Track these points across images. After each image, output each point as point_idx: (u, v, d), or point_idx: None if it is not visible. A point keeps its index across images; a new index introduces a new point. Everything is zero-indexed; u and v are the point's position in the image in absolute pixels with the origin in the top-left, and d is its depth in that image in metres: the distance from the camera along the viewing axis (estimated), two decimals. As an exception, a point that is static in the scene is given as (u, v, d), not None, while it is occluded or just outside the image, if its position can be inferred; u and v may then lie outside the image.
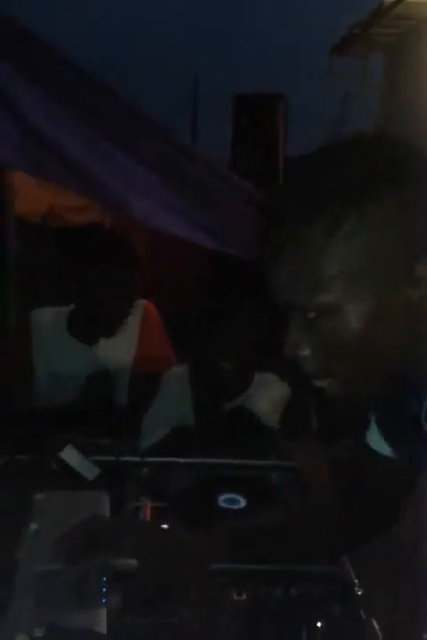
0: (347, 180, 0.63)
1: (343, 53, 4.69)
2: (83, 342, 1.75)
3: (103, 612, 0.74)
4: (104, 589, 0.77)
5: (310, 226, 0.63)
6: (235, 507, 1.21)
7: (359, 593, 0.98)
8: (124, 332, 1.78)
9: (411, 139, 0.68)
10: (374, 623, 0.93)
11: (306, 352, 0.67)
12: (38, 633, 0.64)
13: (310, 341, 0.67)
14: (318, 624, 0.90)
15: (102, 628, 0.72)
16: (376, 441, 0.85)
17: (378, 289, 0.63)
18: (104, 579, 0.79)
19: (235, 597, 0.94)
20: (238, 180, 1.64)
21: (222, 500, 1.23)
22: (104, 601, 0.76)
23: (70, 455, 1.34)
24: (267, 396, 1.71)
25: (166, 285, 2.91)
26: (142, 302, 1.83)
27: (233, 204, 1.66)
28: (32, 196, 2.85)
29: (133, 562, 0.80)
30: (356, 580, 1.01)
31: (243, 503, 1.23)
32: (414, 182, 0.63)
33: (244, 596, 0.95)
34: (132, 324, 1.79)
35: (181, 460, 1.42)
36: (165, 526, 0.98)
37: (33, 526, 0.89)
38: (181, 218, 1.59)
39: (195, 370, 1.67)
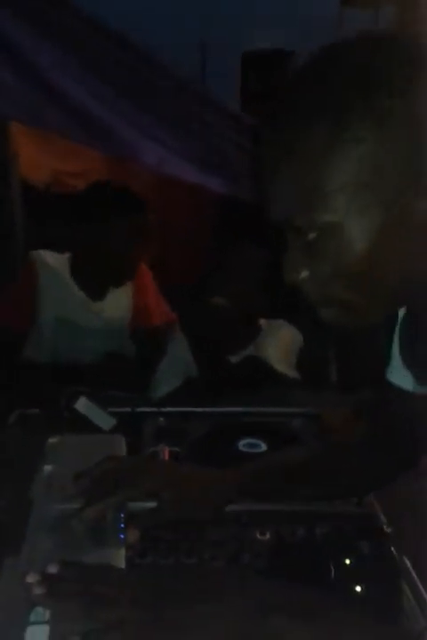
0: (350, 83, 0.56)
1: (354, 4, 4.56)
2: (86, 292, 1.72)
3: (121, 549, 0.71)
4: (122, 526, 0.74)
5: (309, 134, 0.57)
6: (255, 451, 1.18)
7: (388, 530, 0.94)
8: (121, 289, 1.75)
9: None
10: (406, 560, 0.89)
11: (305, 276, 0.61)
12: (53, 569, 0.61)
13: (311, 265, 0.61)
14: (347, 561, 0.87)
15: (121, 563, 0.68)
16: (398, 375, 0.82)
17: (384, 204, 0.57)
18: (122, 515, 0.76)
19: (258, 537, 0.91)
20: (253, 121, 1.58)
21: (242, 444, 1.20)
22: (122, 537, 0.73)
23: (85, 406, 1.31)
24: (278, 344, 1.67)
25: (176, 239, 2.86)
26: None
27: (248, 149, 1.60)
28: (35, 162, 2.81)
29: (152, 503, 0.77)
30: (383, 519, 0.97)
31: (264, 447, 1.19)
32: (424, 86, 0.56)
33: (267, 536, 0.91)
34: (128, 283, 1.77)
35: (199, 409, 1.38)
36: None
37: (47, 468, 0.86)
38: (193, 164, 1.54)
39: (194, 321, 1.64)
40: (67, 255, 1.74)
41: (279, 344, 1.69)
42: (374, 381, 1.09)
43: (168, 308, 1.88)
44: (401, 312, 0.75)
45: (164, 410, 1.38)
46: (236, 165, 1.56)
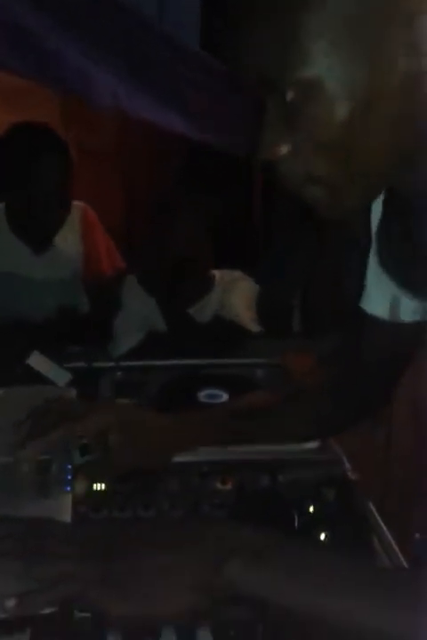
0: None
1: None
2: (28, 245, 1.65)
3: (67, 500, 0.66)
4: (69, 477, 0.69)
5: None
6: (216, 401, 1.13)
7: (353, 477, 0.91)
8: (66, 238, 1.68)
9: None
10: (371, 506, 0.87)
11: (285, 150, 0.55)
12: None
13: (291, 137, 0.55)
14: (311, 509, 0.83)
15: (66, 516, 0.63)
16: (373, 301, 0.77)
17: (367, 59, 0.50)
18: (69, 466, 0.70)
19: (219, 486, 0.87)
20: (219, 65, 1.49)
21: (203, 395, 1.15)
22: (69, 489, 0.67)
23: (38, 361, 1.25)
24: (237, 296, 1.63)
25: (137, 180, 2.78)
26: (80, 205, 1.74)
27: (213, 90, 1.52)
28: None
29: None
30: (348, 465, 0.94)
31: (225, 398, 1.15)
32: None
33: (229, 485, 0.87)
34: (73, 229, 1.70)
35: (158, 363, 1.33)
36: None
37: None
38: (149, 102, 1.45)
39: (145, 272, 1.59)
40: (1, 205, 1.66)
41: (238, 296, 1.64)
42: (337, 327, 1.05)
43: (119, 256, 1.81)
44: (377, 218, 0.70)
45: (122, 364, 1.32)
46: (193, 104, 1.48)
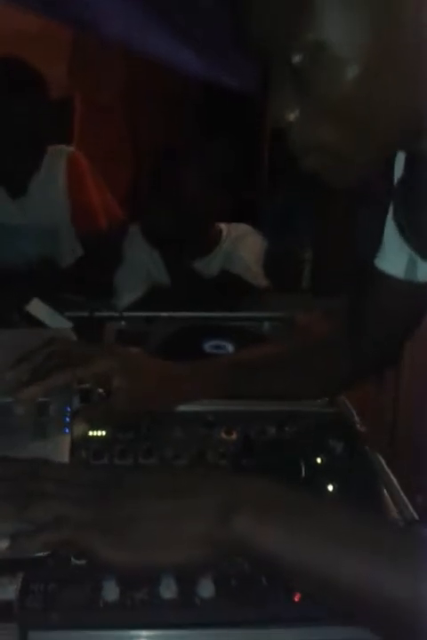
0: None
1: None
2: (5, 187, 1.58)
3: (66, 442, 0.63)
4: (68, 420, 0.66)
5: None
6: (222, 352, 1.10)
7: (362, 429, 0.89)
8: (46, 184, 1.60)
9: None
10: (380, 458, 0.84)
11: (292, 116, 0.55)
12: None
13: (300, 102, 0.54)
14: (318, 460, 0.81)
15: (64, 458, 0.60)
16: (389, 260, 0.75)
17: (375, 19, 0.49)
18: (68, 409, 0.67)
19: (224, 436, 0.84)
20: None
21: (208, 346, 1.12)
22: (67, 431, 0.65)
23: (38, 308, 1.21)
24: (245, 251, 1.58)
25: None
26: (66, 150, 1.66)
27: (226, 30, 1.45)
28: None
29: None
30: (357, 418, 0.91)
31: (231, 349, 1.11)
32: None
33: (234, 435, 0.84)
34: (55, 175, 1.61)
35: (163, 314, 1.30)
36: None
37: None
38: (165, 38, 1.39)
39: (150, 224, 1.54)
40: None
41: (246, 251, 1.60)
42: (347, 285, 1.02)
43: (116, 205, 1.75)
44: (397, 176, 0.67)
45: (125, 314, 1.29)
46: (207, 42, 1.42)
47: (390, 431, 1.35)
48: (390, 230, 0.73)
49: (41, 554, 0.47)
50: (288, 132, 0.56)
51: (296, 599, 0.58)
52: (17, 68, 1.50)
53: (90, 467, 0.65)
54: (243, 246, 1.59)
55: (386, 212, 0.74)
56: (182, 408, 0.85)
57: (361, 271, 0.80)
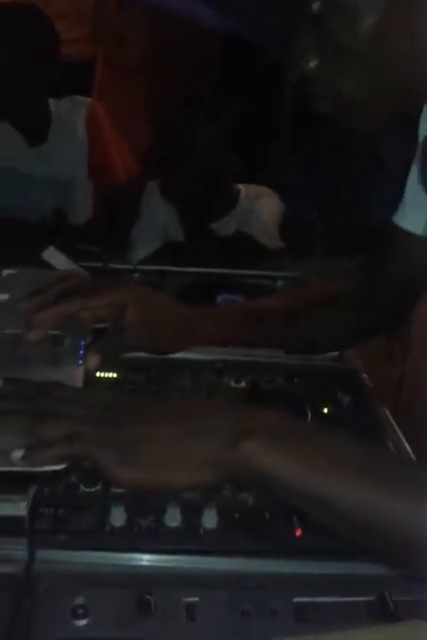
0: None
1: None
2: (24, 136, 1.57)
3: (79, 373, 0.64)
4: (81, 352, 0.67)
5: None
6: (234, 305, 1.11)
7: (369, 384, 0.90)
8: (66, 134, 1.59)
9: None
10: (387, 412, 0.85)
11: (312, 64, 0.56)
12: None
13: (317, 46, 0.55)
14: (325, 410, 0.82)
15: (78, 382, 0.62)
16: (409, 217, 0.76)
17: None
18: (82, 342, 0.68)
19: (233, 384, 0.86)
20: None
21: (221, 299, 1.13)
22: (81, 362, 0.66)
23: (54, 256, 1.23)
24: (261, 213, 1.58)
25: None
26: (85, 101, 1.64)
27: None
28: None
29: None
30: (365, 374, 0.92)
31: (243, 303, 1.12)
32: None
33: (243, 384, 0.86)
34: (77, 125, 1.60)
35: (176, 269, 1.30)
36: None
37: (1, 296, 0.77)
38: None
39: (167, 181, 1.53)
40: None
41: (263, 212, 1.59)
42: (359, 249, 1.02)
43: (133, 160, 1.73)
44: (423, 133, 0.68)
45: (139, 267, 1.30)
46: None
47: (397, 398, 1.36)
48: (411, 187, 0.74)
49: (53, 468, 0.48)
50: (307, 81, 0.57)
51: (297, 533, 0.60)
52: (31, 15, 1.48)
53: (102, 389, 0.67)
54: (260, 207, 1.59)
55: (408, 169, 0.74)
56: (192, 355, 0.86)
57: (379, 229, 0.81)
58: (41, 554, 0.56)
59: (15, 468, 0.48)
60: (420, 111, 0.70)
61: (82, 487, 0.64)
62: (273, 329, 0.81)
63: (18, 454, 0.48)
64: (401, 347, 1.59)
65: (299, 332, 0.83)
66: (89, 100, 1.67)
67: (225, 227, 1.58)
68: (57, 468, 0.48)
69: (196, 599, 0.52)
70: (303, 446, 0.49)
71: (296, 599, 0.53)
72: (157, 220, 1.55)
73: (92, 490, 0.64)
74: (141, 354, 0.79)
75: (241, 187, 1.62)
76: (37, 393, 0.54)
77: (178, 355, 0.80)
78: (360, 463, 0.48)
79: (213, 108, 1.61)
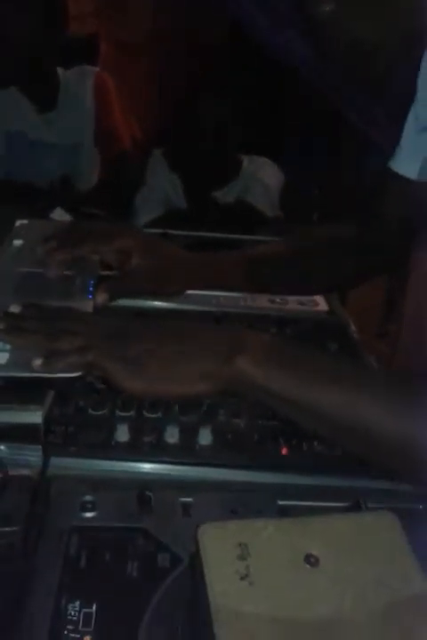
0: None
1: None
2: (34, 102, 1.62)
3: (89, 305, 0.71)
4: (91, 289, 0.74)
5: None
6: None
7: (357, 337, 0.96)
8: (74, 101, 1.65)
9: None
10: (373, 362, 0.91)
11: (328, 7, 0.59)
12: (15, 309, 0.61)
13: None
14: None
15: (89, 309, 0.68)
16: (404, 162, 0.80)
17: None
18: (91, 281, 0.75)
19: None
20: None
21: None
22: (91, 297, 0.72)
23: (61, 217, 1.29)
24: (262, 183, 1.64)
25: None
26: (93, 70, 1.70)
27: None
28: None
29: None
30: (354, 327, 0.98)
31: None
32: None
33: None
34: (85, 93, 1.66)
35: (177, 232, 1.36)
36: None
37: (16, 242, 0.84)
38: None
39: (172, 149, 1.59)
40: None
41: (264, 183, 1.65)
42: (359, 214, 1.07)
43: (139, 129, 1.80)
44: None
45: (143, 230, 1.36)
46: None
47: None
48: (409, 132, 0.78)
49: (68, 375, 0.55)
50: (323, 24, 0.60)
51: (283, 452, 0.67)
52: None
53: (111, 314, 0.73)
54: (261, 177, 1.65)
55: (406, 114, 0.78)
56: (190, 306, 0.92)
57: (374, 174, 0.85)
58: (54, 461, 0.63)
59: (35, 375, 0.55)
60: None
61: (90, 411, 0.71)
62: (274, 272, 0.87)
63: (38, 362, 0.55)
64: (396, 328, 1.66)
65: (299, 275, 0.89)
66: (96, 69, 1.72)
67: (227, 194, 1.64)
68: (72, 375, 0.55)
69: (191, 499, 0.59)
70: (290, 359, 0.55)
71: (280, 502, 0.60)
72: (161, 188, 1.62)
73: (100, 413, 0.71)
74: (140, 303, 0.86)
75: (244, 157, 1.68)
76: (54, 315, 0.61)
77: (176, 305, 0.86)
78: (342, 372, 0.55)
79: (218, 81, 1.67)
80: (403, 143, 0.79)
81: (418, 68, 0.73)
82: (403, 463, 0.53)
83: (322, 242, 0.90)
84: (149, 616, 0.47)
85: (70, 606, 0.48)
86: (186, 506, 0.59)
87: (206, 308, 0.96)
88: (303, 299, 1.01)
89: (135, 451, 0.65)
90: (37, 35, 1.51)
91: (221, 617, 0.42)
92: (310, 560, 0.46)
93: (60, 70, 1.64)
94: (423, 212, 0.81)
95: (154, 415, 0.70)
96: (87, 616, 0.48)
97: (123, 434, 0.67)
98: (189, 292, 0.91)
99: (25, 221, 0.91)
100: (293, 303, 1.00)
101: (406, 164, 0.79)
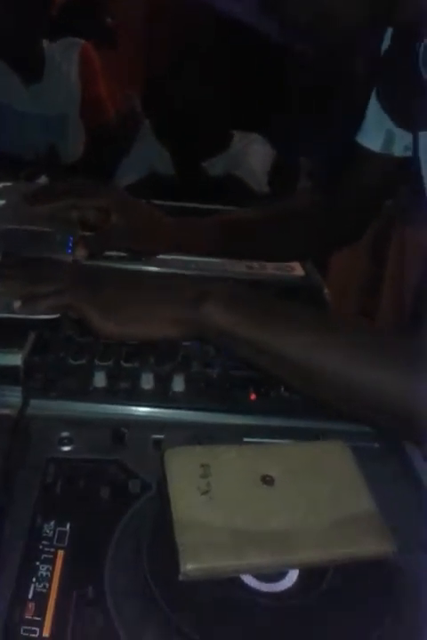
0: None
1: None
2: (19, 74, 1.65)
3: (68, 259, 0.74)
4: (70, 244, 0.77)
5: None
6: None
7: (328, 298, 1.00)
8: (59, 73, 1.68)
9: None
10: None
11: None
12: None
13: None
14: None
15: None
16: (369, 135, 0.84)
17: None
18: (71, 237, 0.78)
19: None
20: None
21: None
22: (70, 251, 0.75)
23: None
24: (251, 157, 1.67)
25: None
26: (78, 42, 1.73)
27: None
28: None
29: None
30: (327, 291, 1.02)
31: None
32: None
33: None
34: (71, 65, 1.70)
35: (164, 203, 1.39)
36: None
37: (0, 202, 0.87)
38: None
39: (160, 118, 1.62)
40: None
41: (254, 158, 1.68)
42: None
43: (123, 100, 1.83)
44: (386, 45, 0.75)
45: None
46: None
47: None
48: (372, 107, 0.82)
49: (46, 316, 0.58)
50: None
51: (251, 397, 0.71)
52: None
53: (88, 264, 0.75)
54: (251, 153, 1.68)
55: (370, 90, 0.82)
56: (168, 270, 0.95)
57: (342, 147, 0.89)
58: (34, 403, 0.66)
59: (15, 316, 0.58)
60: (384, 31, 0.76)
61: (70, 360, 0.75)
62: (249, 238, 0.91)
63: (17, 304, 0.58)
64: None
65: (273, 242, 0.93)
66: (82, 41, 1.74)
67: (215, 166, 1.67)
68: (50, 317, 0.58)
69: (162, 436, 0.63)
70: (257, 306, 0.59)
71: (246, 439, 0.64)
72: (147, 158, 1.64)
73: (79, 362, 0.74)
74: (118, 266, 0.89)
75: (235, 132, 1.71)
76: (33, 263, 0.64)
77: (154, 269, 0.90)
78: (308, 318, 0.58)
79: (208, 53, 1.69)
80: (368, 117, 0.83)
81: (381, 42, 0.77)
82: (370, 409, 0.55)
83: (298, 211, 0.94)
84: (118, 534, 0.51)
85: (45, 525, 0.52)
86: (158, 442, 0.63)
87: (185, 273, 0.99)
88: (280, 264, 1.05)
89: (112, 396, 0.69)
90: (23, 7, 1.52)
91: (182, 526, 0.46)
92: (267, 479, 0.50)
93: (45, 42, 1.66)
94: (387, 183, 0.86)
95: (131, 365, 0.74)
96: (61, 534, 0.51)
97: (100, 380, 0.71)
98: (168, 256, 0.95)
99: (8, 183, 0.93)
100: (270, 268, 1.03)
101: (370, 137, 0.83)
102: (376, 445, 0.64)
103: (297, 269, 1.05)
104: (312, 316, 0.60)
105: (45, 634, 0.44)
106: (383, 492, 0.52)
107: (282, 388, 0.71)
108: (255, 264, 1.04)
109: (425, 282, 1.32)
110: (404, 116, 0.76)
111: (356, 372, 0.53)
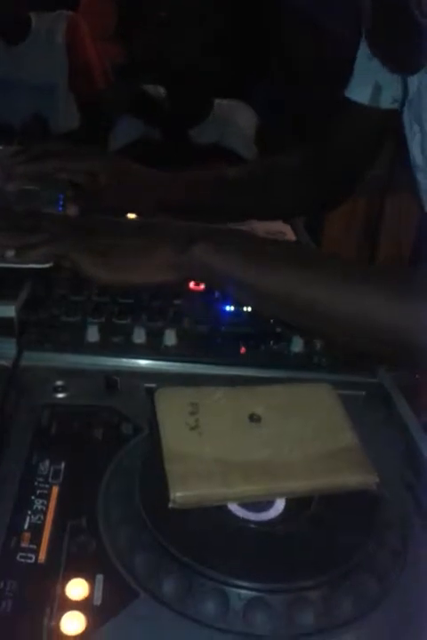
0: None
1: None
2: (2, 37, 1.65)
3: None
4: (61, 202, 0.78)
5: None
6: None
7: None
8: (45, 42, 1.68)
9: None
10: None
11: None
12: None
13: None
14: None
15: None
16: (357, 89, 0.84)
17: None
18: (61, 195, 0.79)
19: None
20: None
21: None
22: (61, 209, 0.76)
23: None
24: (236, 124, 1.68)
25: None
26: (66, 13, 1.74)
27: None
28: None
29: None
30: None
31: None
32: None
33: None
34: (57, 34, 1.70)
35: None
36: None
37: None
38: None
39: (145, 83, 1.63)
40: None
41: (238, 125, 1.69)
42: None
43: (110, 70, 1.83)
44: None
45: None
46: None
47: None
48: (361, 59, 0.82)
49: (39, 265, 0.59)
50: None
51: (242, 351, 0.72)
52: None
53: (81, 215, 0.76)
54: (237, 120, 1.69)
55: (358, 42, 0.81)
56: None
57: (329, 102, 0.89)
58: (28, 355, 0.68)
59: (8, 265, 0.59)
60: None
61: (64, 317, 0.76)
62: (237, 194, 0.91)
63: (10, 253, 0.59)
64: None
65: (261, 200, 0.93)
66: (70, 13, 1.74)
67: (202, 134, 1.68)
68: (43, 266, 0.60)
69: (154, 385, 0.65)
70: (247, 244, 0.60)
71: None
72: (137, 126, 1.64)
73: (73, 319, 0.76)
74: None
75: (216, 100, 1.71)
76: (25, 214, 0.65)
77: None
78: (300, 254, 0.59)
79: (191, 17, 1.68)
80: (356, 69, 0.83)
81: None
82: (366, 338, 0.54)
83: (281, 168, 0.94)
84: (111, 470, 0.53)
85: (41, 464, 0.54)
86: (149, 390, 0.64)
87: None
88: (271, 229, 1.06)
89: (105, 348, 0.71)
90: None
91: (171, 457, 0.48)
92: (254, 417, 0.52)
93: (33, 14, 1.67)
94: (375, 136, 0.86)
95: (123, 321, 0.76)
96: (56, 471, 0.53)
97: (93, 335, 0.72)
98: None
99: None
100: (260, 234, 1.05)
101: (357, 90, 0.83)
102: (363, 393, 0.66)
103: (288, 234, 1.07)
104: (307, 251, 0.61)
105: (40, 560, 0.46)
106: (369, 435, 0.54)
107: (271, 342, 0.73)
108: (245, 227, 1.05)
109: (420, 249, 1.33)
110: (395, 59, 0.75)
111: (345, 301, 0.54)
